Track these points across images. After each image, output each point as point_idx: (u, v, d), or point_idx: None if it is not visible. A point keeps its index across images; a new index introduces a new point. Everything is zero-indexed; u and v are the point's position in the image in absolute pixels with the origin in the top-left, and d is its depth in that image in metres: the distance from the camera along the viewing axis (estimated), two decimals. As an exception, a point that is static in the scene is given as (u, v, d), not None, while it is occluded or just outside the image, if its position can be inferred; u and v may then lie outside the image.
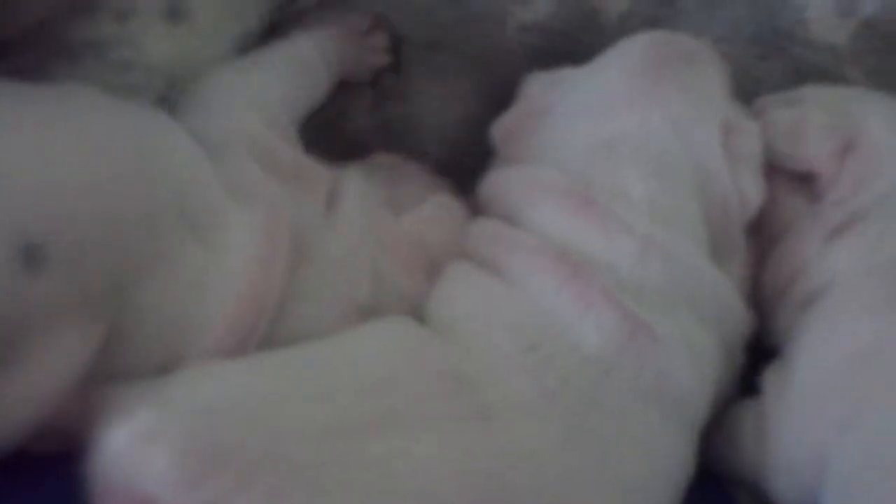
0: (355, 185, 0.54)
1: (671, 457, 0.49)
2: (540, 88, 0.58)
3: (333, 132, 0.58)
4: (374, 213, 0.54)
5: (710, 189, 0.54)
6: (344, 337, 0.48)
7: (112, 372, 0.44)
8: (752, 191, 0.55)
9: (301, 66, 0.57)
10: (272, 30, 0.57)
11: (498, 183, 0.55)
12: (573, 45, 0.59)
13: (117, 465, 0.39)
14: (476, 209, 0.56)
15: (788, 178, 0.57)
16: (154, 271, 0.45)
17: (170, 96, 0.53)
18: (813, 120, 0.56)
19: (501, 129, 0.58)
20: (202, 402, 0.41)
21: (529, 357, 0.48)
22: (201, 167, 0.49)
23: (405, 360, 0.47)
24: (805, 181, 0.56)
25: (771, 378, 0.52)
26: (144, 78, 0.52)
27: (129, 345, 0.45)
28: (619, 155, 0.53)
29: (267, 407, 0.42)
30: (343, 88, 0.59)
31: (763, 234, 0.56)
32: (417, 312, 0.51)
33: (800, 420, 0.50)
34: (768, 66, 0.61)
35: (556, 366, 0.48)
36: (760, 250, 0.56)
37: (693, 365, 0.50)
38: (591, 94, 0.56)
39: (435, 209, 0.55)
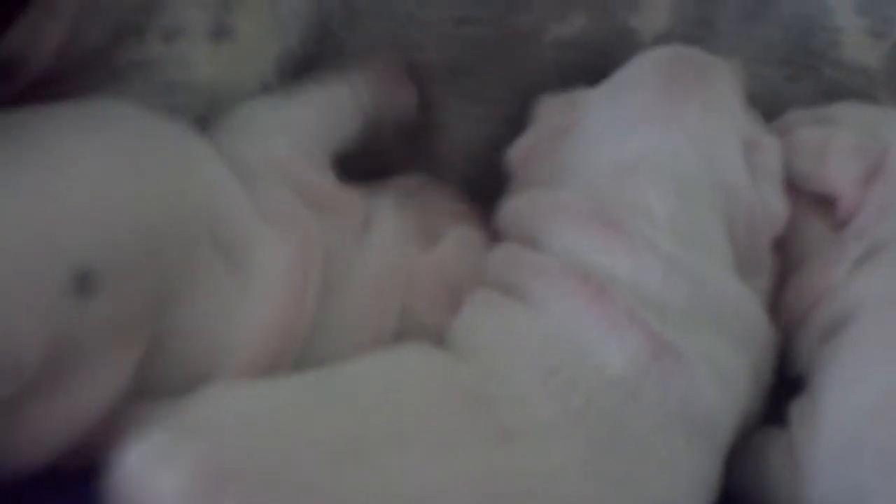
0: (388, 216, 0.55)
1: (696, 480, 0.49)
2: (555, 110, 0.58)
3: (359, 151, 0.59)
4: (404, 246, 0.54)
5: (735, 206, 0.54)
6: (361, 358, 0.48)
7: (140, 391, 0.45)
8: (777, 206, 0.55)
9: (335, 107, 0.57)
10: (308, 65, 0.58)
11: (518, 208, 0.55)
12: (608, 62, 0.59)
13: (129, 486, 0.40)
14: (496, 234, 0.56)
15: (811, 200, 0.56)
16: (188, 295, 0.46)
17: (208, 118, 0.53)
18: (839, 141, 0.56)
19: (518, 153, 0.58)
20: (215, 423, 0.42)
21: (553, 379, 0.48)
22: (235, 192, 0.50)
23: (423, 379, 0.47)
24: (828, 205, 0.55)
25: (797, 412, 0.51)
26: (187, 99, 0.53)
27: (159, 365, 0.46)
28: (640, 175, 0.53)
29: (280, 426, 0.43)
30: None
31: (783, 258, 0.56)
32: (439, 344, 0.51)
33: (836, 458, 0.49)
34: (799, 86, 0.61)
35: (579, 388, 0.48)
36: (780, 272, 0.56)
37: (720, 386, 0.50)
38: (608, 115, 0.56)
39: (457, 243, 0.56)
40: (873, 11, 0.61)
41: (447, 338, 0.51)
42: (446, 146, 0.62)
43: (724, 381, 0.50)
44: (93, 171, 0.46)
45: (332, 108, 0.57)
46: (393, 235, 0.54)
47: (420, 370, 0.48)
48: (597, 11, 0.61)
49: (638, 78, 0.57)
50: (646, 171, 0.53)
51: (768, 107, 0.58)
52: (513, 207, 0.55)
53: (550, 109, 0.58)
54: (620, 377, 0.48)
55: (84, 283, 0.43)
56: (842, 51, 0.61)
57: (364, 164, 0.57)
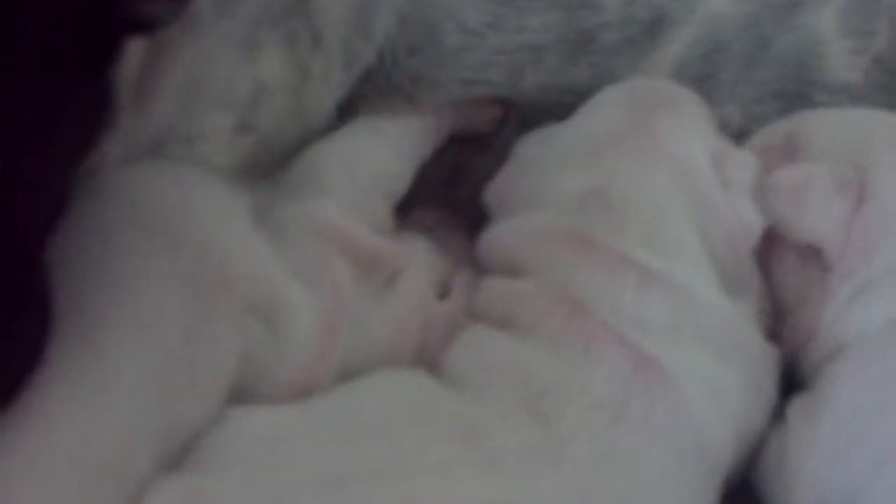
0: (421, 268, 0.56)
1: (689, 500, 0.48)
2: (528, 146, 0.58)
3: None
4: (427, 294, 0.55)
5: (710, 221, 0.53)
6: (356, 386, 0.49)
7: None
8: (751, 217, 0.54)
9: (410, 136, 0.59)
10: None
11: (493, 238, 0.55)
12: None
13: None
14: (481, 268, 0.56)
15: (798, 245, 0.55)
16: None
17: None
18: (816, 182, 0.54)
19: (494, 188, 0.58)
20: (215, 455, 0.44)
21: (541, 403, 0.48)
22: (264, 253, 0.51)
23: (415, 408, 0.48)
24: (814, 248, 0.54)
25: (798, 410, 0.51)
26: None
27: None
28: (611, 197, 0.53)
29: (278, 458, 0.45)
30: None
31: (777, 300, 0.55)
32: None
33: (830, 456, 0.49)
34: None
35: (566, 411, 0.47)
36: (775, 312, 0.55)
37: (709, 401, 0.49)
38: (577, 142, 0.56)
39: (466, 292, 0.56)
40: (856, 30, 0.62)
41: (441, 369, 0.52)
42: (466, 193, 0.62)
43: (712, 397, 0.49)
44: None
45: (407, 137, 0.58)
46: (422, 286, 0.55)
47: (414, 399, 0.49)
48: (601, 71, 0.61)
49: (603, 106, 0.57)
50: (617, 193, 0.53)
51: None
52: (490, 238, 0.56)
53: (525, 145, 0.59)
54: (605, 396, 0.48)
55: None
56: (829, 73, 0.62)
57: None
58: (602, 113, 0.57)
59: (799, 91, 0.62)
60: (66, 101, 0.38)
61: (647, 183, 0.53)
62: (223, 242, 0.50)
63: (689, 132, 0.56)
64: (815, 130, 0.57)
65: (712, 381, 0.50)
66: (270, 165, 0.57)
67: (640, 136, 0.55)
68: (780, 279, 0.55)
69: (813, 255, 0.54)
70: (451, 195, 0.63)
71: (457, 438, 0.46)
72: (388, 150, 0.58)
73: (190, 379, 0.46)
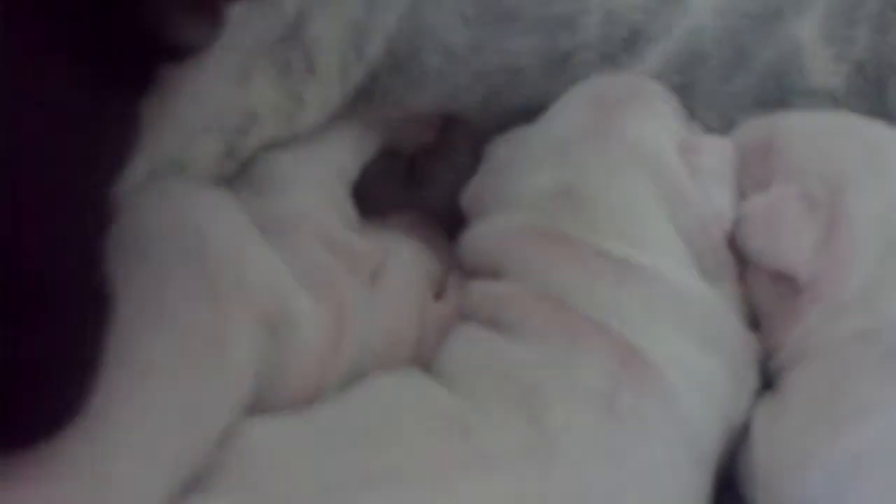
0: (403, 263, 0.56)
1: (682, 494, 0.48)
2: (500, 149, 0.59)
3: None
4: (417, 295, 0.56)
5: (682, 210, 0.54)
6: (352, 392, 0.50)
7: None
8: (723, 203, 0.55)
9: (358, 136, 0.60)
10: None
11: (470, 241, 0.56)
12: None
13: None
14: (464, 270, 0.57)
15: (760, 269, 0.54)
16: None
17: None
18: (787, 211, 0.54)
19: (468, 194, 0.59)
20: (222, 472, 0.44)
21: (531, 400, 0.48)
22: (272, 261, 0.51)
23: (411, 410, 0.48)
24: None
25: (762, 411, 0.52)
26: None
27: None
28: (581, 193, 0.54)
29: (279, 471, 0.45)
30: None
31: (753, 308, 0.55)
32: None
33: (787, 462, 0.49)
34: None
35: (556, 407, 0.48)
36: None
37: (694, 388, 0.50)
38: (545, 142, 0.57)
39: (458, 294, 0.56)
40: (837, 38, 0.63)
41: (434, 368, 0.52)
42: (433, 194, 0.63)
43: (699, 387, 0.50)
44: None
45: (355, 139, 0.59)
46: (410, 287, 0.55)
47: (410, 401, 0.49)
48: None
49: (569, 105, 0.58)
50: (588, 187, 0.54)
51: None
52: (467, 241, 0.57)
53: (496, 148, 0.60)
54: (594, 390, 0.48)
55: None
56: (810, 80, 0.63)
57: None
58: (568, 112, 0.58)
59: (780, 98, 0.63)
60: (107, 125, 0.39)
61: (616, 177, 0.54)
62: (241, 253, 0.50)
63: (653, 124, 0.56)
64: (794, 135, 0.57)
65: (698, 371, 0.50)
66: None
67: (605, 132, 0.55)
68: (752, 290, 0.55)
69: (785, 277, 0.54)
70: (412, 196, 0.64)
71: (452, 438, 0.47)
72: (338, 147, 0.59)
73: (214, 384, 0.47)
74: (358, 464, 0.45)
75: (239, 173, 0.56)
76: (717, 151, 0.57)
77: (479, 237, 0.56)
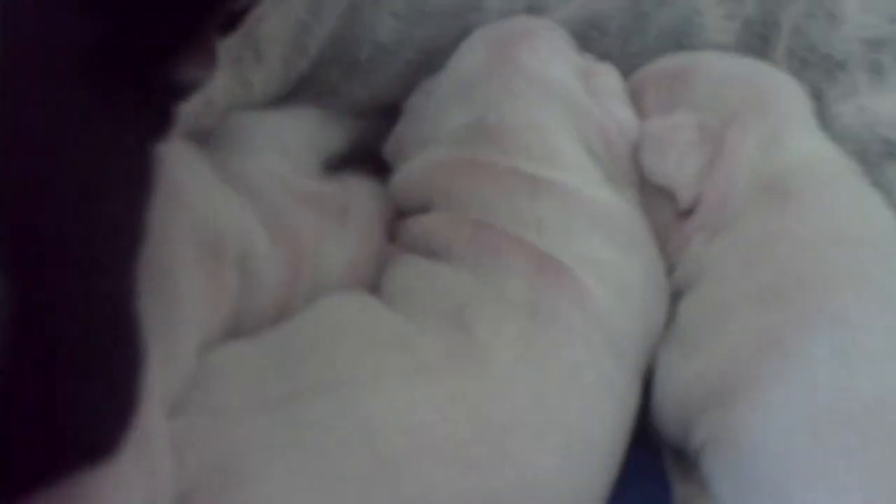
0: (363, 205, 0.60)
1: (609, 395, 0.51)
2: (413, 99, 0.64)
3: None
4: (378, 229, 0.60)
5: (586, 125, 0.58)
6: (300, 313, 0.52)
7: None
8: (626, 119, 0.59)
9: (318, 121, 0.64)
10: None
11: (397, 182, 0.60)
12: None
13: None
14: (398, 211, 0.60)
15: (657, 188, 0.60)
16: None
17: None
18: (680, 136, 0.59)
19: (390, 143, 0.64)
20: (190, 391, 0.47)
21: (463, 314, 0.51)
22: (242, 209, 0.55)
23: (355, 326, 0.51)
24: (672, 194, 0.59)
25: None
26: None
27: None
28: (490, 123, 0.57)
29: (226, 385, 0.47)
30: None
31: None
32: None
33: (678, 379, 0.53)
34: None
35: (484, 317, 0.51)
36: None
37: (611, 290, 0.52)
38: (452, 85, 0.61)
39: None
40: None
41: (379, 292, 0.56)
42: None
43: (613, 283, 0.53)
44: None
45: (315, 122, 0.64)
46: (371, 223, 0.59)
47: (353, 318, 0.52)
48: None
49: (469, 50, 0.62)
50: (495, 118, 0.57)
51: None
52: (395, 183, 0.61)
53: (411, 99, 0.64)
54: (518, 298, 0.51)
55: None
56: (705, 37, 0.68)
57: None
58: (469, 55, 0.62)
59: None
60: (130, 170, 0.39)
61: (521, 103, 0.58)
62: (212, 203, 0.53)
63: (548, 54, 0.61)
64: (701, 72, 0.63)
65: (614, 272, 0.54)
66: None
67: (505, 67, 0.59)
68: (649, 208, 0.59)
69: (671, 196, 0.59)
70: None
71: (392, 350, 0.49)
72: (309, 115, 0.63)
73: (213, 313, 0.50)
74: (305, 376, 0.48)
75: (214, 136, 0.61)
76: (614, 74, 0.62)
77: (406, 177, 0.60)
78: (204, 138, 0.60)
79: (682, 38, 0.68)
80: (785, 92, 0.62)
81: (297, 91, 0.66)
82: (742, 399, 0.50)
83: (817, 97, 0.64)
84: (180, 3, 0.38)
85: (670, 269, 0.58)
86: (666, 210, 0.59)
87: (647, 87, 0.63)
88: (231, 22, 0.43)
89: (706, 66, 0.64)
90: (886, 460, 0.47)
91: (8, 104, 0.33)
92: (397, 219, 0.61)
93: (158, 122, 0.41)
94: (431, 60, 0.66)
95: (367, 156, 0.66)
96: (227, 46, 0.61)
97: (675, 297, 0.58)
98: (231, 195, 0.55)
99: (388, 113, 0.67)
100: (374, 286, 0.57)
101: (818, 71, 0.65)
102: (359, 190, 0.62)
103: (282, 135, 0.61)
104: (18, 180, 0.32)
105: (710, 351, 0.53)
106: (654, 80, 0.63)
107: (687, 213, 0.58)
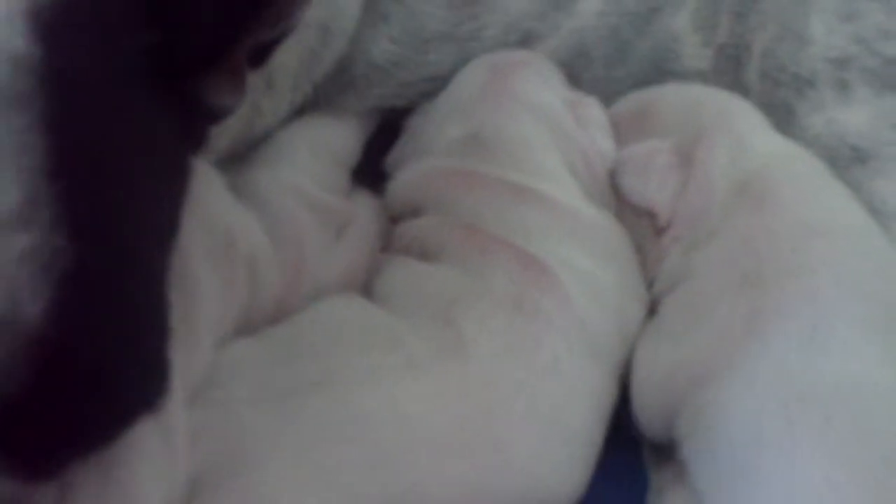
0: (363, 223, 0.63)
1: (586, 390, 0.54)
2: (414, 119, 0.68)
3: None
4: (372, 242, 0.62)
5: (569, 148, 0.62)
6: (297, 315, 0.54)
7: None
8: (605, 145, 0.64)
9: (351, 125, 0.68)
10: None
11: (394, 188, 0.64)
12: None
13: None
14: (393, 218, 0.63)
15: (632, 208, 0.63)
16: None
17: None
18: (658, 160, 0.62)
19: (391, 158, 0.68)
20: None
21: (451, 311, 0.53)
22: (247, 216, 0.57)
23: (350, 326, 0.53)
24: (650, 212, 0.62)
25: (644, 332, 0.58)
26: None
27: None
28: (483, 138, 0.61)
29: (234, 379, 0.49)
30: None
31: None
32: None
33: (657, 376, 0.55)
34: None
35: (470, 314, 0.53)
36: None
37: (588, 294, 0.55)
38: (450, 105, 0.65)
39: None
40: (704, 26, 0.72)
41: (370, 294, 0.58)
42: None
43: (592, 292, 0.56)
44: None
45: (343, 131, 0.68)
46: (367, 238, 0.62)
47: (346, 318, 0.54)
48: None
49: (468, 74, 0.67)
50: (487, 136, 0.62)
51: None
52: (392, 189, 0.64)
53: (412, 119, 0.68)
54: (503, 295, 0.54)
55: None
56: (683, 64, 0.72)
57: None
58: (468, 79, 0.67)
59: (657, 80, 0.72)
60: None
61: (512, 123, 0.63)
62: (225, 212, 0.56)
63: (540, 84, 0.66)
64: (664, 103, 0.67)
65: (591, 280, 0.57)
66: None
67: (500, 91, 0.65)
68: (625, 226, 0.63)
69: (647, 215, 0.62)
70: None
71: (384, 348, 0.52)
72: (337, 129, 0.67)
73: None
74: (304, 372, 0.50)
75: (256, 150, 0.64)
76: (598, 106, 0.67)
77: (401, 183, 0.64)
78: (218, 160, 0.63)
79: (661, 64, 0.72)
80: (741, 108, 0.66)
81: (301, 111, 0.69)
82: (719, 383, 0.52)
83: (789, 112, 0.68)
84: (225, 13, 0.41)
85: (650, 284, 0.61)
86: (642, 228, 0.62)
87: (619, 122, 0.67)
88: (261, 55, 0.46)
89: (668, 97, 0.68)
90: (847, 442, 0.49)
91: (70, 99, 0.35)
92: (391, 226, 0.64)
93: (192, 140, 0.43)
94: (434, 85, 0.70)
95: (369, 168, 0.69)
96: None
97: (655, 307, 0.60)
98: (238, 203, 0.58)
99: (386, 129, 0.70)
100: (365, 292, 0.60)
101: (789, 89, 0.68)
102: (365, 211, 0.65)
103: (301, 144, 0.64)
104: (78, 155, 0.35)
105: (690, 339, 0.55)
106: (623, 119, 0.67)
107: (663, 229, 0.61)
